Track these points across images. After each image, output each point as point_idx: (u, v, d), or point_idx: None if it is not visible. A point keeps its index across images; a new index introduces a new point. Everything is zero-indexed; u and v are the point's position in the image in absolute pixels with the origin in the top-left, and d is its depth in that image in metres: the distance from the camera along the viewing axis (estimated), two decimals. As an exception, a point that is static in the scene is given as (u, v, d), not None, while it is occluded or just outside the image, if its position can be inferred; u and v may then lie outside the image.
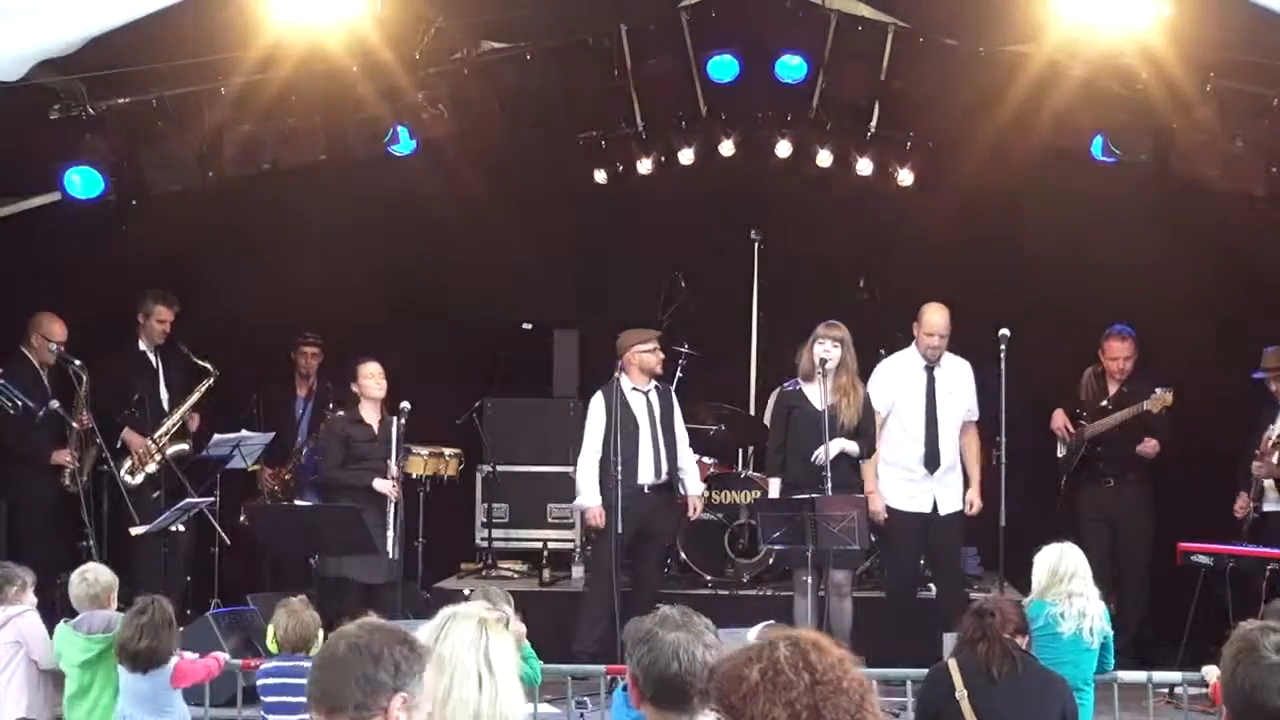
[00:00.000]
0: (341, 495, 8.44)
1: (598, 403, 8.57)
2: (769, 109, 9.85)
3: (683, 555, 9.54)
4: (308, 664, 5.86)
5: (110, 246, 8.92)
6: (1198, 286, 9.16)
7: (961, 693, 5.17)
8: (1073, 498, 9.11)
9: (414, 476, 9.31)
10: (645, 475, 8.57)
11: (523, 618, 5.79)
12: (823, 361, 7.95)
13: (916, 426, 8.52)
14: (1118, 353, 8.97)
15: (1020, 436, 8.30)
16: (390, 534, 8.36)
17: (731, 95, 9.35)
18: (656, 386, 8.75)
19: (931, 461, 8.49)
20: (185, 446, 9.14)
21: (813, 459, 7.85)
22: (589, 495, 8.52)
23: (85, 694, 6.25)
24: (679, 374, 9.70)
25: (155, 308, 9.12)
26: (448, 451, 9.79)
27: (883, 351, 8.91)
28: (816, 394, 8.03)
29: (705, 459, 9.42)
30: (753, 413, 10.23)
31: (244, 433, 9.22)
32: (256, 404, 9.89)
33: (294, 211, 9.41)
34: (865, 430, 8.17)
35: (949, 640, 6.31)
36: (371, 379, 8.63)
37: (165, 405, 9.19)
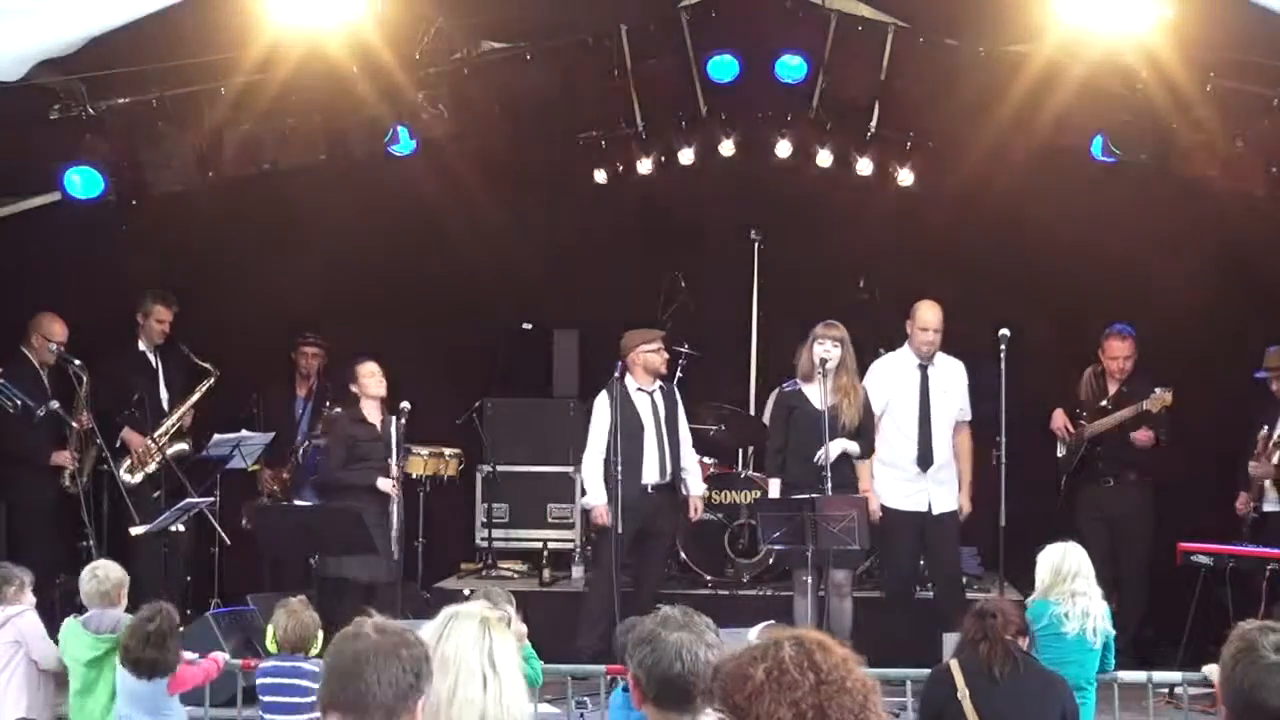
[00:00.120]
0: (344, 495, 8.45)
1: (602, 402, 8.58)
2: (769, 109, 9.85)
3: (683, 555, 9.54)
4: (305, 664, 5.93)
5: (110, 246, 8.92)
6: (1198, 286, 9.16)
7: (963, 692, 5.18)
8: (1072, 497, 9.12)
9: (414, 476, 9.32)
10: (649, 475, 8.59)
11: (523, 618, 5.78)
12: (823, 361, 7.96)
13: (910, 425, 8.54)
14: (1118, 352, 8.98)
15: (1020, 436, 8.30)
16: (394, 533, 8.39)
17: (731, 95, 9.35)
18: (661, 386, 8.77)
19: (924, 460, 8.51)
20: (185, 446, 9.14)
21: (816, 459, 7.85)
22: (596, 494, 8.53)
23: (90, 691, 6.25)
24: (679, 374, 9.70)
25: (154, 308, 9.13)
26: (448, 451, 9.80)
27: (882, 351, 8.92)
28: (816, 394, 8.03)
29: (705, 459, 9.43)
30: (753, 413, 10.24)
31: (244, 433, 9.22)
32: (257, 404, 9.89)
33: (294, 211, 9.40)
34: (865, 430, 8.19)
35: (949, 640, 6.31)
36: (371, 378, 8.65)
37: (165, 405, 9.20)
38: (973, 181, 9.40)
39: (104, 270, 8.98)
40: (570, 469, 10.12)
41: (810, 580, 7.51)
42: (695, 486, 8.91)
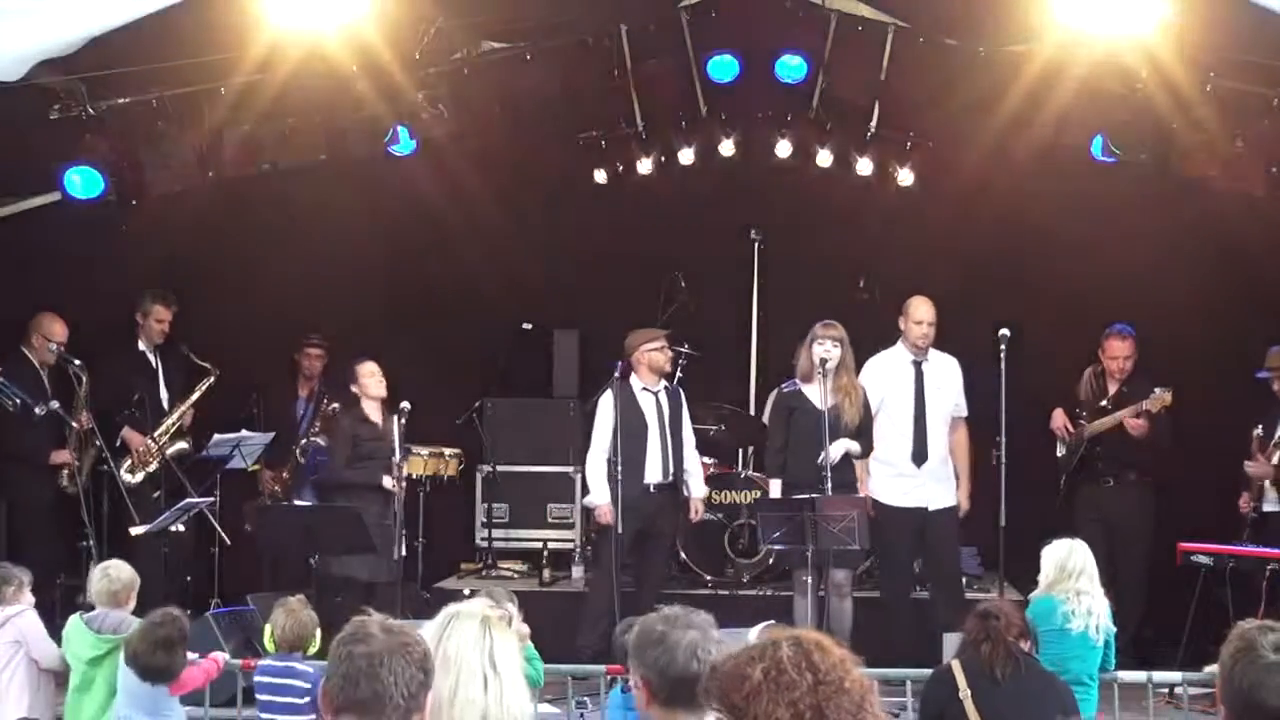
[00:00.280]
0: (348, 494, 8.45)
1: (606, 401, 8.60)
2: (769, 109, 9.84)
3: (683, 555, 9.54)
4: (299, 665, 5.93)
5: (110, 246, 8.91)
6: (1198, 286, 9.16)
7: (965, 693, 5.19)
8: (1072, 497, 9.12)
9: (414, 476, 9.32)
10: (651, 475, 8.61)
11: (523, 618, 5.78)
12: (823, 361, 7.96)
13: (905, 422, 8.55)
14: (1118, 352, 8.98)
15: (1020, 436, 8.30)
16: (401, 532, 8.45)
17: (731, 95, 9.35)
18: (666, 387, 8.79)
19: (919, 456, 8.52)
20: (185, 445, 9.14)
21: (819, 460, 7.85)
22: (599, 493, 8.54)
23: (88, 689, 6.27)
24: (679, 374, 9.70)
25: (154, 308, 9.13)
26: (448, 451, 9.80)
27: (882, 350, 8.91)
28: (816, 394, 8.03)
29: (705, 459, 9.43)
30: (753, 413, 10.24)
31: (244, 433, 9.22)
32: (257, 404, 9.89)
33: (294, 211, 9.40)
34: (865, 429, 8.21)
35: (949, 641, 6.32)
36: (372, 378, 8.67)
37: (165, 405, 9.20)
38: (973, 181, 9.40)
39: (104, 270, 8.98)
40: (570, 469, 10.13)
41: (810, 580, 7.51)
42: (697, 488, 8.91)
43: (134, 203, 8.46)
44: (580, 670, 7.02)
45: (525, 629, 5.71)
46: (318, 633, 6.04)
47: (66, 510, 8.70)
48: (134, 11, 6.70)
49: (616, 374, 8.54)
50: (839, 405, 8.02)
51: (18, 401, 8.41)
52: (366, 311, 10.14)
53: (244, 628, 7.83)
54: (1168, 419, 8.69)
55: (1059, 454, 9.21)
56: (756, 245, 10.48)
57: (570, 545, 10.18)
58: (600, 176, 10.35)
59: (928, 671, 5.81)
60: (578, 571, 9.92)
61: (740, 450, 10.32)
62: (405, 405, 8.33)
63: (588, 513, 9.15)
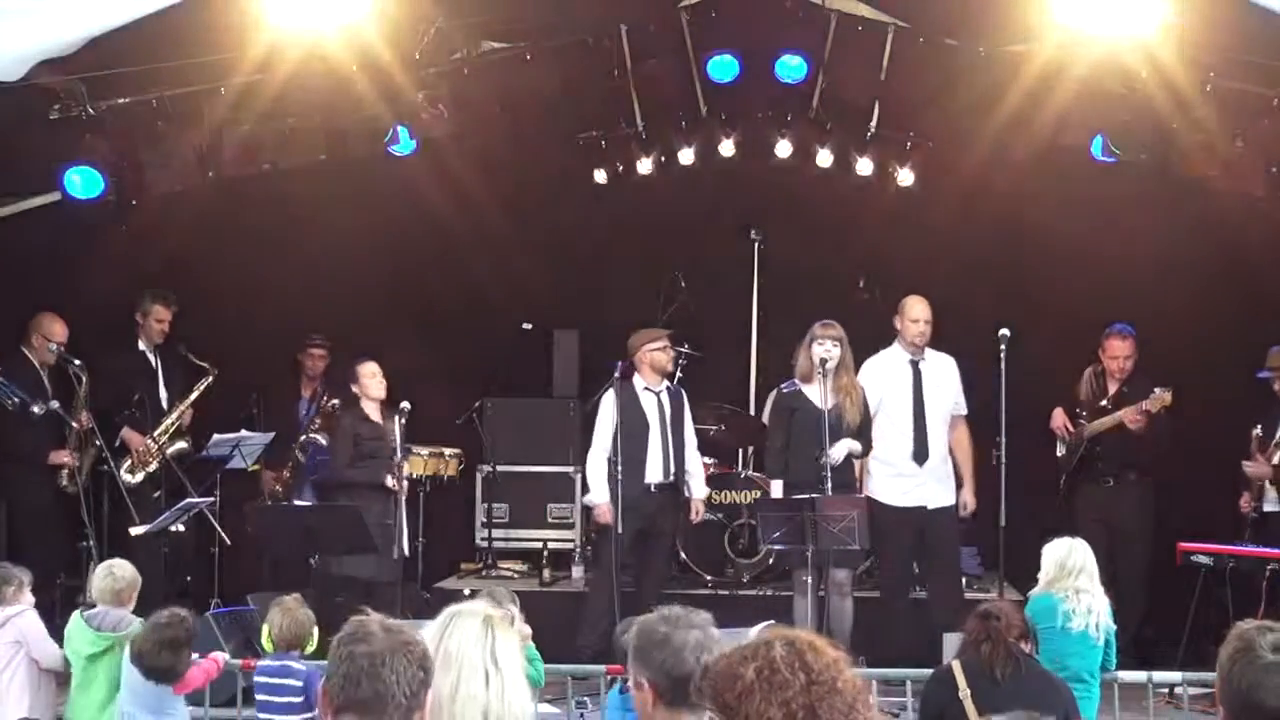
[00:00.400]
0: (350, 493, 8.46)
1: (608, 400, 8.61)
2: (769, 109, 9.83)
3: (683, 555, 9.54)
4: (294, 664, 5.93)
5: (110, 246, 8.91)
6: (1198, 286, 9.16)
7: (965, 692, 5.18)
8: (1072, 497, 9.12)
9: (414, 476, 9.32)
10: (653, 475, 8.62)
11: (524, 618, 5.78)
12: (823, 361, 7.97)
13: (904, 421, 8.55)
14: (1118, 351, 8.98)
15: (1020, 436, 8.30)
16: (406, 532, 8.50)
17: (731, 95, 9.34)
18: (669, 387, 8.80)
19: (920, 454, 8.52)
20: (184, 445, 9.15)
21: (824, 461, 7.86)
22: (599, 492, 8.55)
23: (87, 687, 6.29)
24: (679, 374, 9.71)
25: (153, 307, 9.13)
26: (448, 451, 9.80)
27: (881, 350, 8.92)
28: (817, 394, 8.04)
29: (705, 459, 9.43)
30: (753, 413, 10.24)
31: (244, 433, 9.22)
32: (256, 404, 9.89)
33: (294, 211, 9.40)
34: (865, 429, 8.22)
35: (949, 641, 6.32)
36: (373, 379, 8.68)
37: (164, 405, 9.20)
38: (973, 181, 9.40)
39: (104, 270, 8.97)
40: (570, 469, 10.14)
41: (810, 580, 7.51)
42: (698, 489, 8.92)
43: (134, 203, 8.46)
44: (580, 670, 7.03)
45: (527, 629, 5.71)
46: (315, 631, 6.05)
47: (66, 510, 8.70)
48: (134, 11, 6.70)
49: (617, 373, 8.56)
50: (840, 405, 8.03)
51: (16, 401, 8.41)
52: (366, 311, 10.14)
53: (244, 628, 7.83)
54: (1167, 419, 8.68)
55: (1059, 454, 9.21)
56: (756, 245, 10.49)
57: (570, 545, 10.18)
58: (600, 176, 10.34)
59: (928, 671, 5.81)
60: (578, 571, 9.92)
61: (740, 450, 10.32)
62: (405, 405, 8.33)
63: (588, 513, 9.16)
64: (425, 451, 9.51)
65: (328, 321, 10.13)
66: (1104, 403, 9.00)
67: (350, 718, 2.75)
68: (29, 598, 6.60)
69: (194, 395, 9.25)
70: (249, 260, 9.69)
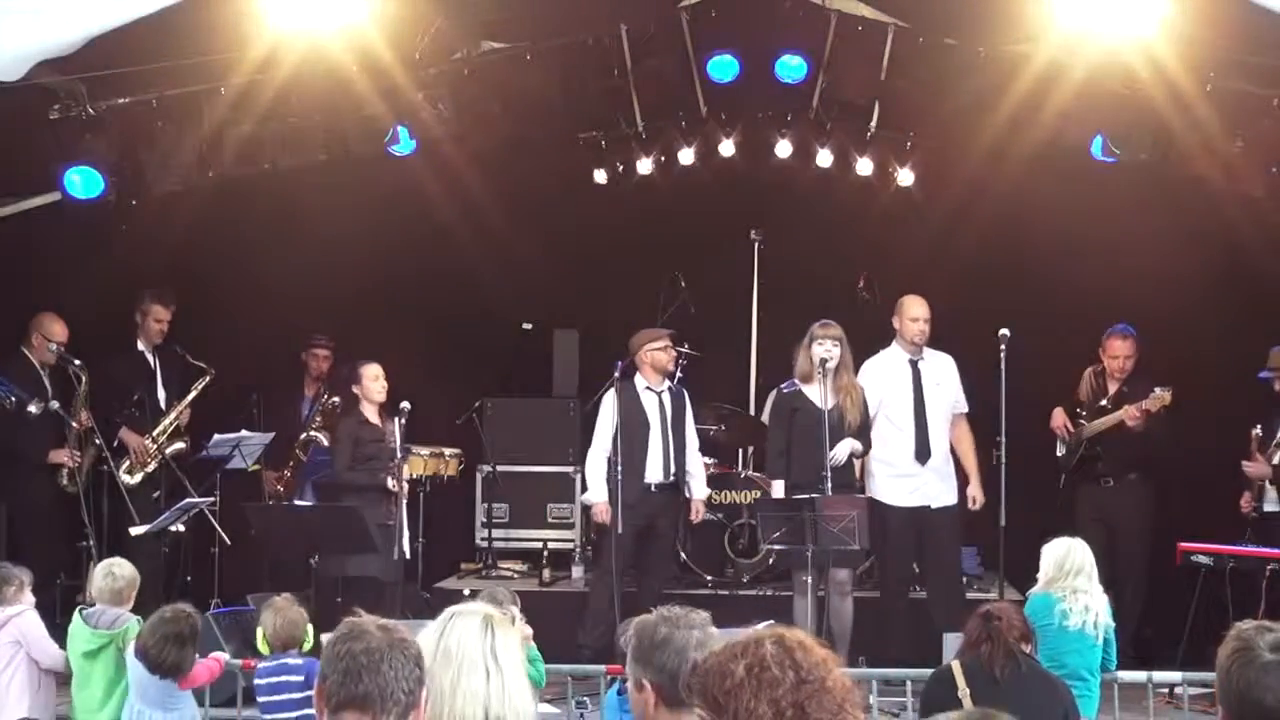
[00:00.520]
0: (351, 495, 8.45)
1: (609, 399, 8.62)
2: (769, 109, 9.84)
3: (683, 555, 9.55)
4: (291, 660, 5.93)
5: (110, 246, 8.91)
6: (1198, 286, 9.16)
7: (964, 691, 5.18)
8: (1072, 497, 9.12)
9: (414, 476, 9.32)
10: (652, 474, 8.63)
11: (525, 619, 5.79)
12: (823, 361, 7.97)
13: (905, 420, 8.55)
14: (1119, 351, 8.98)
15: (1020, 436, 8.30)
16: (408, 533, 8.52)
17: (731, 95, 9.34)
18: (670, 387, 8.81)
19: (922, 454, 8.52)
20: (183, 445, 9.15)
21: (829, 460, 7.86)
22: (596, 491, 8.57)
23: (86, 684, 6.31)
24: (679, 374, 9.71)
25: (152, 307, 9.13)
26: (448, 451, 9.80)
27: (880, 350, 8.92)
28: (817, 394, 8.04)
29: (705, 459, 9.44)
30: (753, 413, 10.24)
31: (244, 433, 9.22)
32: (256, 404, 9.90)
33: (294, 211, 9.40)
34: (866, 428, 8.23)
35: (950, 640, 6.32)
36: (375, 381, 8.67)
37: (162, 405, 9.20)
38: (973, 181, 9.40)
39: (104, 270, 8.98)
40: (570, 469, 10.14)
41: (810, 580, 7.51)
42: (699, 490, 8.92)
43: (134, 203, 8.46)
44: (580, 670, 7.03)
45: (528, 630, 5.71)
46: (309, 628, 6.05)
47: (66, 510, 8.70)
48: (134, 11, 6.70)
49: (617, 373, 8.57)
50: (841, 405, 8.04)
51: (13, 400, 8.42)
52: (366, 311, 10.14)
53: (244, 628, 7.83)
54: (1167, 418, 8.68)
55: (1059, 454, 9.22)
56: (756, 245, 10.49)
57: (570, 545, 10.18)
58: (600, 176, 10.35)
59: (928, 671, 5.81)
60: (578, 571, 9.93)
61: (740, 450, 10.32)
62: (405, 405, 8.34)
63: (588, 512, 9.16)
64: (425, 451, 9.51)
65: (328, 321, 10.14)
66: (1104, 403, 9.00)
67: (351, 714, 2.75)
68: (29, 598, 6.61)
69: (192, 395, 9.25)
70: (249, 260, 9.68)
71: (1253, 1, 6.61)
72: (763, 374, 10.28)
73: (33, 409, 8.46)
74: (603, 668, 6.71)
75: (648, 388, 8.72)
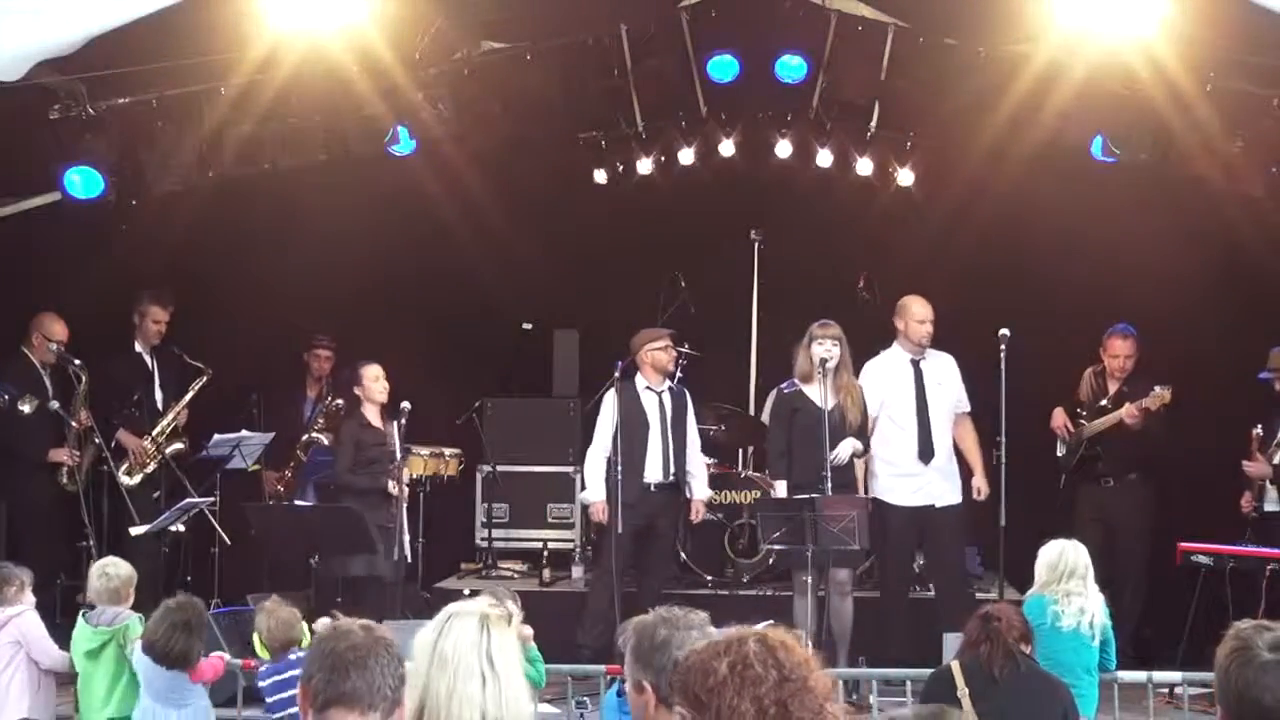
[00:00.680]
0: (353, 497, 8.45)
1: (610, 399, 8.62)
2: (769, 109, 9.84)
3: (683, 555, 9.54)
4: (294, 656, 5.92)
5: (110, 246, 8.91)
6: (1198, 286, 9.15)
7: (963, 691, 5.19)
8: (1072, 497, 9.12)
9: (414, 476, 9.32)
10: (651, 474, 8.63)
11: (524, 618, 5.78)
12: (823, 361, 7.98)
13: (908, 420, 8.55)
14: (1119, 351, 8.98)
15: (1020, 436, 8.30)
16: (407, 536, 8.51)
17: (731, 95, 9.34)
18: (670, 387, 8.81)
19: (926, 453, 8.51)
20: (181, 445, 9.15)
21: (833, 460, 7.86)
22: (595, 490, 8.57)
23: (90, 683, 6.33)
24: (679, 374, 9.71)
25: (150, 308, 9.14)
26: (448, 451, 9.80)
27: (880, 351, 8.91)
28: (817, 394, 8.04)
29: (706, 459, 9.44)
30: (753, 413, 10.24)
31: (244, 433, 9.22)
32: (256, 404, 9.90)
33: (294, 211, 9.40)
34: (865, 427, 8.23)
35: (950, 640, 6.32)
36: (376, 382, 8.67)
37: (160, 407, 9.20)
38: (973, 181, 9.40)
39: (104, 270, 8.98)
40: (570, 469, 10.14)
41: (810, 580, 7.51)
42: (700, 490, 8.92)
43: (134, 203, 8.47)
44: (580, 670, 7.03)
45: (528, 630, 5.70)
46: (304, 626, 6.05)
47: (66, 510, 8.71)
48: (134, 11, 6.70)
49: (618, 373, 8.58)
50: (841, 404, 8.04)
51: (6, 398, 8.42)
52: (366, 311, 10.14)
53: (244, 628, 7.82)
54: (1167, 418, 8.68)
55: (1059, 454, 9.22)
56: (756, 245, 10.49)
57: (570, 545, 10.18)
58: (600, 176, 10.35)
59: (928, 671, 5.81)
60: (578, 571, 9.92)
61: (740, 450, 10.31)
62: (405, 405, 8.34)
63: (587, 512, 9.16)
64: (425, 451, 9.51)
65: (328, 321, 10.14)
66: (1104, 402, 9.00)
67: (337, 712, 2.75)
68: (30, 598, 6.61)
69: (189, 395, 9.25)
70: (249, 260, 9.69)
71: (1253, 1, 6.61)
72: (763, 374, 10.28)
73: (24, 408, 8.46)
74: (602, 668, 6.71)
75: (648, 387, 8.73)
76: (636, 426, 8.59)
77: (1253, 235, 8.65)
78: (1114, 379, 9.06)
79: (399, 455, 8.41)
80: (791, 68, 8.82)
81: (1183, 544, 8.03)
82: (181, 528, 8.46)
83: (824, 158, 9.91)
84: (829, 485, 7.73)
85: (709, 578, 9.55)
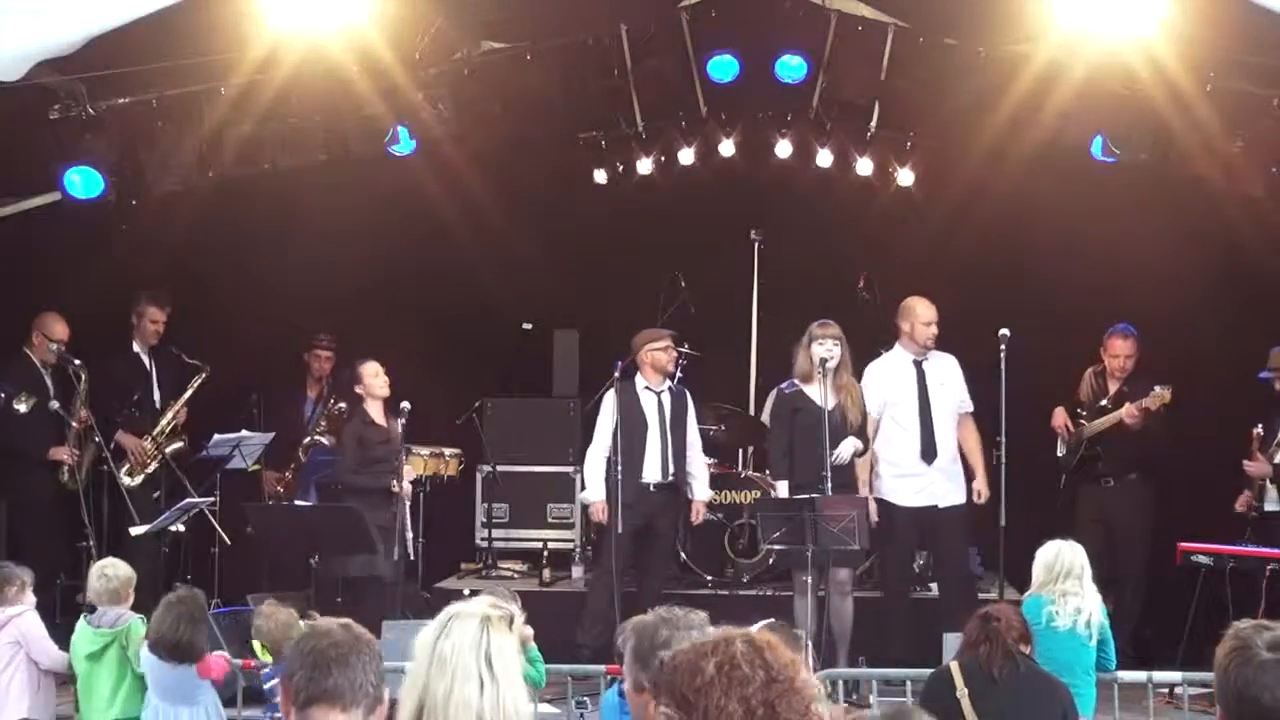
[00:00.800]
0: (356, 497, 8.45)
1: (609, 399, 8.62)
2: (769, 109, 9.84)
3: (683, 555, 9.54)
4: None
5: (110, 246, 8.91)
6: (1198, 287, 9.15)
7: (963, 692, 5.19)
8: (1072, 497, 9.12)
9: (414, 476, 9.32)
10: (650, 474, 8.63)
11: (524, 619, 5.77)
12: (823, 361, 7.98)
13: (911, 421, 8.54)
14: (1120, 350, 8.98)
15: (1020, 436, 8.30)
16: (410, 535, 8.52)
17: (731, 95, 9.34)
18: (671, 388, 8.81)
19: (929, 453, 8.51)
20: (181, 444, 9.15)
21: (834, 459, 7.86)
22: (594, 489, 8.58)
23: (91, 686, 6.33)
24: (679, 374, 9.71)
25: (147, 308, 9.14)
26: (448, 451, 9.81)
27: (881, 351, 8.92)
28: (818, 394, 8.04)
29: (706, 459, 9.44)
30: (753, 412, 10.24)
31: (244, 433, 9.22)
32: (256, 404, 9.89)
33: (294, 211, 9.41)
34: (865, 427, 8.23)
35: (950, 640, 6.32)
36: (376, 378, 8.67)
37: (159, 407, 9.20)
38: (972, 181, 9.40)
39: (104, 270, 8.98)
40: (570, 469, 10.13)
41: (810, 580, 7.51)
42: (700, 491, 8.91)
43: (134, 203, 8.47)
44: (580, 670, 7.03)
45: (529, 631, 5.70)
46: (301, 625, 6.04)
47: (66, 510, 8.71)
48: (134, 11, 6.70)
49: (617, 373, 8.58)
50: (842, 404, 8.05)
51: (1, 395, 8.42)
52: (366, 311, 10.14)
53: (244, 628, 7.81)
54: (1167, 417, 8.68)
55: (1059, 454, 9.21)
56: (756, 245, 10.49)
57: (570, 545, 10.18)
58: (600, 176, 10.35)
59: (928, 671, 5.81)
60: (578, 571, 9.92)
61: (740, 450, 10.32)
62: (405, 405, 8.34)
63: (587, 511, 9.16)
64: (425, 451, 9.52)
65: (328, 321, 10.14)
66: (1104, 402, 9.00)
67: (319, 709, 2.76)
68: (30, 598, 6.62)
69: (188, 393, 9.25)
70: (249, 260, 9.69)
71: (1253, 1, 6.61)
72: (763, 374, 10.28)
73: (20, 407, 8.46)
74: (602, 668, 6.70)
75: (647, 388, 8.73)
76: (636, 426, 8.59)
77: (1253, 235, 8.65)
78: (1114, 379, 9.06)
79: (400, 454, 8.41)
80: (791, 68, 8.82)
81: (1183, 544, 8.03)
82: (181, 528, 8.46)
83: (824, 158, 9.91)
84: (829, 485, 7.73)
85: (709, 578, 9.54)
